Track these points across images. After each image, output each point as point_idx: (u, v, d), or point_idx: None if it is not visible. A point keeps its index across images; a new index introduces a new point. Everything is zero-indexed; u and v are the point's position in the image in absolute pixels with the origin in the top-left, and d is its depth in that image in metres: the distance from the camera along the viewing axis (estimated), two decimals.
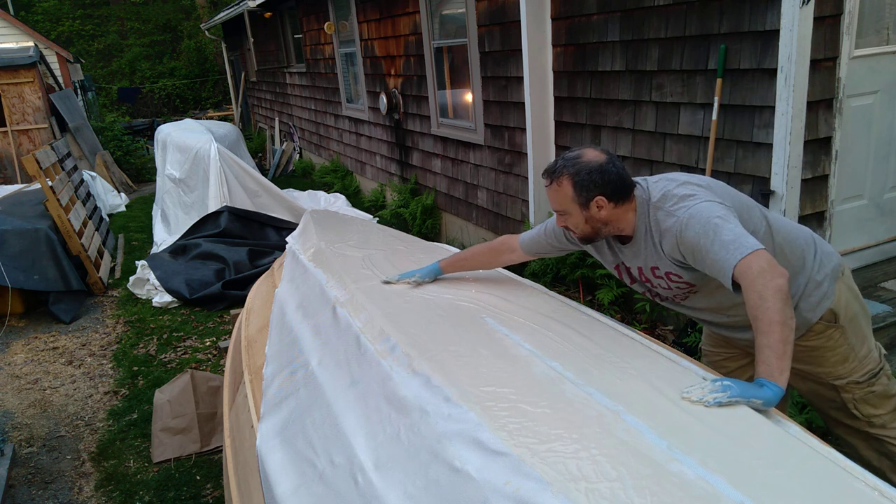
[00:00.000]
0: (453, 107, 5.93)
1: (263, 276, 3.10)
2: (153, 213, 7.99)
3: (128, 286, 5.76)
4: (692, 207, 1.72)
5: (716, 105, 3.21)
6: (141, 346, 4.69)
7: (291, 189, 8.44)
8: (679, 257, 1.79)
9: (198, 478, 3.13)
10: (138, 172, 11.75)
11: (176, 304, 5.39)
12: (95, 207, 7.51)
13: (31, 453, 3.47)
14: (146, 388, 4.03)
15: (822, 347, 1.95)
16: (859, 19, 2.97)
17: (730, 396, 1.39)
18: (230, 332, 4.30)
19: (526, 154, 4.66)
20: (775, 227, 1.90)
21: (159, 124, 11.09)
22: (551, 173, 1.85)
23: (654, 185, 1.85)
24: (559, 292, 2.44)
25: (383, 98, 6.85)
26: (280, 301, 2.41)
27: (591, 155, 1.82)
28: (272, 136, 12.41)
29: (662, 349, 1.68)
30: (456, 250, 2.80)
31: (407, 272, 2.28)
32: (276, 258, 4.01)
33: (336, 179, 8.89)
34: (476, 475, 1.17)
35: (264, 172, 10.25)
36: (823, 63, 2.92)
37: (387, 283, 2.25)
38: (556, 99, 4.44)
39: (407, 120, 6.69)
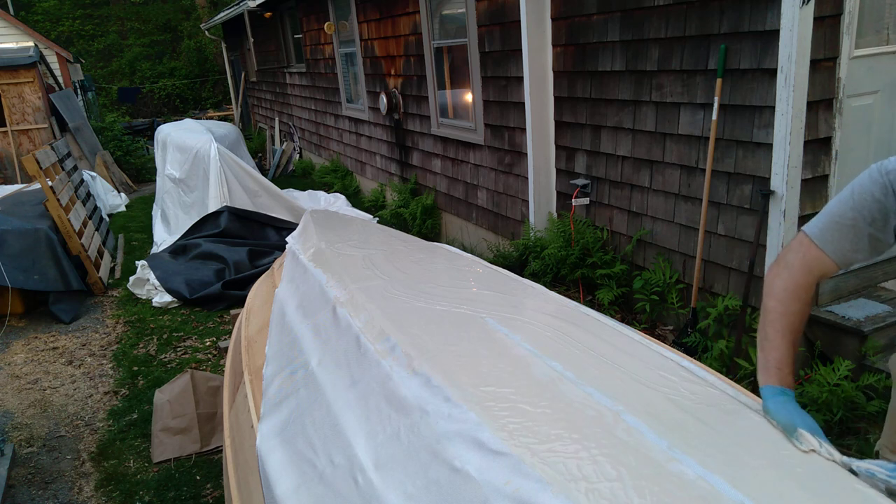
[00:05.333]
0: (453, 107, 5.93)
1: (263, 276, 3.10)
2: (153, 213, 7.99)
3: (128, 286, 5.76)
4: None
5: (716, 105, 3.22)
6: (141, 346, 4.69)
7: (291, 189, 8.43)
8: None
9: (198, 478, 3.13)
10: (138, 172, 11.75)
11: (176, 304, 5.39)
12: (95, 207, 7.51)
13: (31, 453, 3.46)
14: (146, 388, 4.03)
15: None
16: (859, 19, 2.96)
17: None
18: (230, 332, 4.30)
19: (526, 154, 4.66)
20: None
21: (159, 124, 11.09)
22: None
23: None
24: (559, 292, 2.44)
25: (383, 98, 6.85)
26: (280, 301, 2.41)
27: None
28: (272, 136, 12.41)
29: (663, 349, 1.68)
30: (455, 250, 2.80)
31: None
32: (276, 258, 4.01)
33: (336, 179, 8.89)
34: (476, 475, 1.17)
35: (264, 172, 10.24)
36: (823, 63, 2.92)
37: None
38: (556, 99, 4.44)
39: (407, 120, 6.69)
